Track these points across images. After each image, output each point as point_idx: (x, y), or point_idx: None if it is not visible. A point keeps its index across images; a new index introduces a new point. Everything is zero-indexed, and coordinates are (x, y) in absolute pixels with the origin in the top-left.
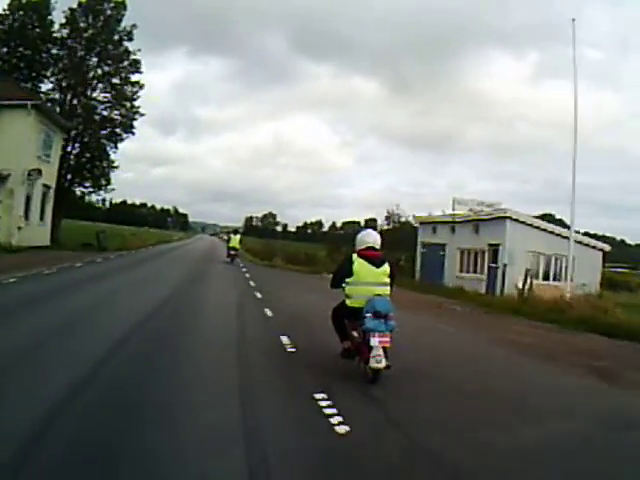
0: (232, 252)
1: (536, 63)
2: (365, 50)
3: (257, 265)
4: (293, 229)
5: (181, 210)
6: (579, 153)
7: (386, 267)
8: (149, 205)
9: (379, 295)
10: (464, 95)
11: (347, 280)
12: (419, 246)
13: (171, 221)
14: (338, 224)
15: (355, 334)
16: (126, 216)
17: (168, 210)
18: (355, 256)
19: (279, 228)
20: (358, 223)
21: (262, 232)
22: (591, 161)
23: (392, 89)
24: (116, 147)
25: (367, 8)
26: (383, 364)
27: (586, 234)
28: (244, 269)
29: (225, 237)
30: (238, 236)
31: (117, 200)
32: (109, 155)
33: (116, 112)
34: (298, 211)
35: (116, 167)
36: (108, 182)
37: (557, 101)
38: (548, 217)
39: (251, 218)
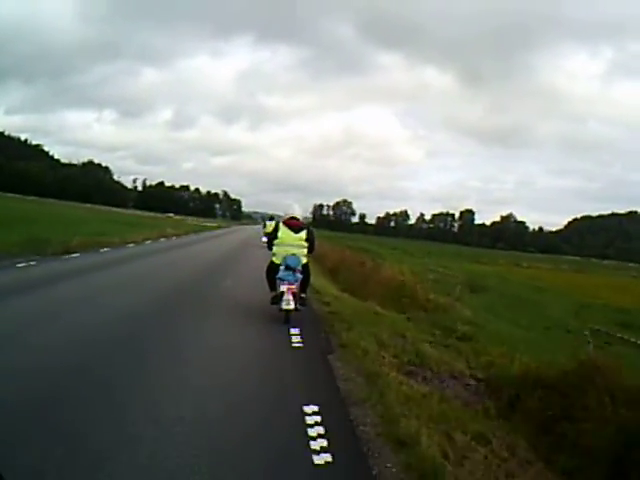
0: (266, 238)
1: (610, 59)
2: (438, 41)
3: None
4: (372, 221)
5: (233, 196)
6: None
7: (303, 233)
8: (192, 188)
9: (293, 254)
10: (537, 90)
11: (274, 242)
12: None
13: (220, 208)
14: (427, 216)
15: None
16: (161, 201)
17: (216, 195)
18: (281, 224)
19: (355, 219)
20: (452, 215)
21: (334, 224)
22: None
23: (465, 82)
24: None
25: None
26: (291, 306)
27: None
28: None
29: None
30: (273, 222)
31: (152, 182)
32: None
33: None
34: (365, 203)
35: None
36: None
37: (629, 98)
38: (634, 214)
39: (321, 206)
